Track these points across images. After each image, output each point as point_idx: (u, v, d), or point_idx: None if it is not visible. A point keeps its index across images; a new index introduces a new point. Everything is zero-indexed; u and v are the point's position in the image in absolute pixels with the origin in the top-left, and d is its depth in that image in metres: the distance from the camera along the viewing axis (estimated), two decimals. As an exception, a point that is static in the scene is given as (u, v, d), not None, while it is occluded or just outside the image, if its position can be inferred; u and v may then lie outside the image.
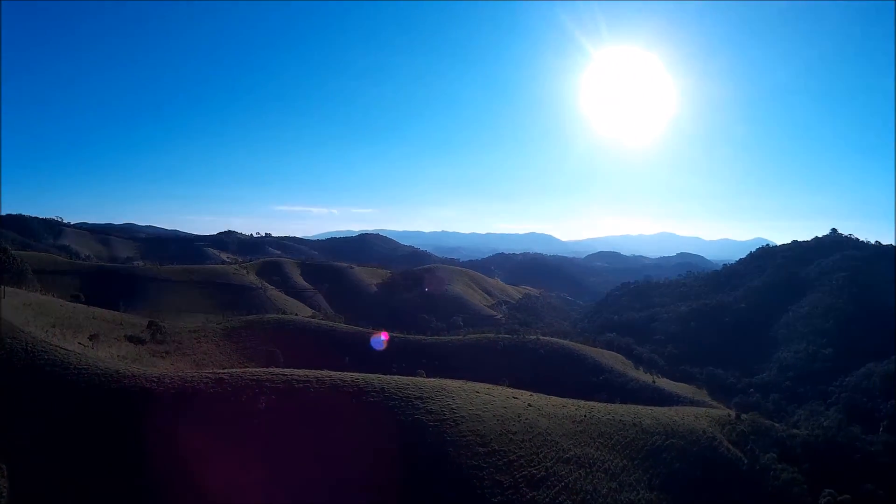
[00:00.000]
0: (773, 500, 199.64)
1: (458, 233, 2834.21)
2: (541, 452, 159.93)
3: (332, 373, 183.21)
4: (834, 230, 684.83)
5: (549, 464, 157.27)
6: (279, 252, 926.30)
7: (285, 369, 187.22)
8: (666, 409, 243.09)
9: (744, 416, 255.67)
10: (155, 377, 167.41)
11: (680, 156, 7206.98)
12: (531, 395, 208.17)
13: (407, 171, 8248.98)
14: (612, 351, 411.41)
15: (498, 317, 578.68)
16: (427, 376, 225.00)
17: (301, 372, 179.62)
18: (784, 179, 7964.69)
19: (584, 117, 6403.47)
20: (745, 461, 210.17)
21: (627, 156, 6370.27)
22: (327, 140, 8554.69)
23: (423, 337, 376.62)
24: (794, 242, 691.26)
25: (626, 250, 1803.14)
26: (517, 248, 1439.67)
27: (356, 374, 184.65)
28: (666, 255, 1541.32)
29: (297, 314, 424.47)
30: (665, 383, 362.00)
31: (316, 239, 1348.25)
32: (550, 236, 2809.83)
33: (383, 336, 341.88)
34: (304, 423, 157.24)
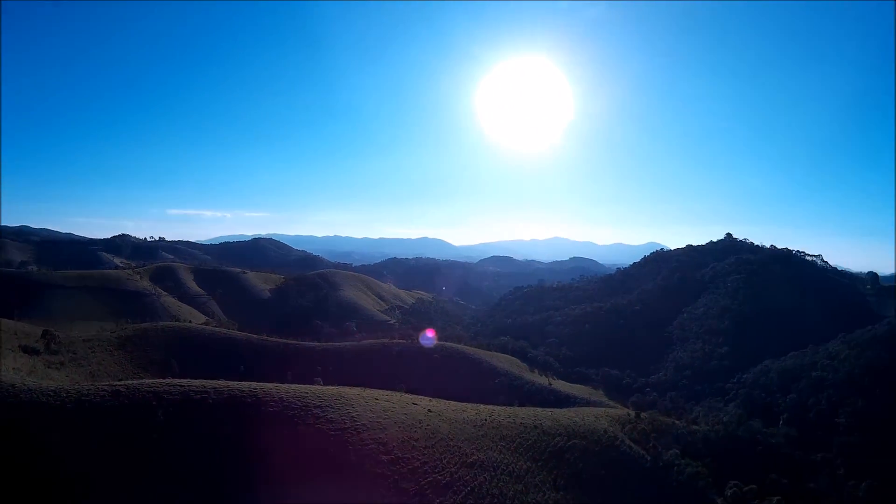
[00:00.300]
0: (678, 494, 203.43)
1: (350, 237, 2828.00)
2: (444, 458, 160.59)
3: (230, 382, 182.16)
4: (729, 234, 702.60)
5: (453, 469, 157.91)
6: (173, 257, 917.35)
7: (182, 380, 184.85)
8: (565, 410, 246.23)
9: (643, 414, 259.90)
10: (52, 391, 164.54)
11: (573, 161, 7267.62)
12: (430, 400, 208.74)
13: (299, 175, 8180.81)
14: (507, 354, 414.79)
15: (391, 322, 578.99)
16: (324, 384, 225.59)
17: (198, 382, 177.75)
18: (678, 185, 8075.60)
19: (479, 123, 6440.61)
20: (649, 458, 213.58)
21: (521, 161, 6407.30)
22: (219, 142, 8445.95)
23: (318, 343, 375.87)
24: (689, 246, 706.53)
25: (518, 255, 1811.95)
26: (410, 253, 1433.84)
27: (254, 384, 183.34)
28: (559, 259, 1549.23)
29: (191, 321, 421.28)
30: (561, 385, 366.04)
31: (209, 243, 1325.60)
32: (443, 241, 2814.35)
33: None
34: (201, 437, 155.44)
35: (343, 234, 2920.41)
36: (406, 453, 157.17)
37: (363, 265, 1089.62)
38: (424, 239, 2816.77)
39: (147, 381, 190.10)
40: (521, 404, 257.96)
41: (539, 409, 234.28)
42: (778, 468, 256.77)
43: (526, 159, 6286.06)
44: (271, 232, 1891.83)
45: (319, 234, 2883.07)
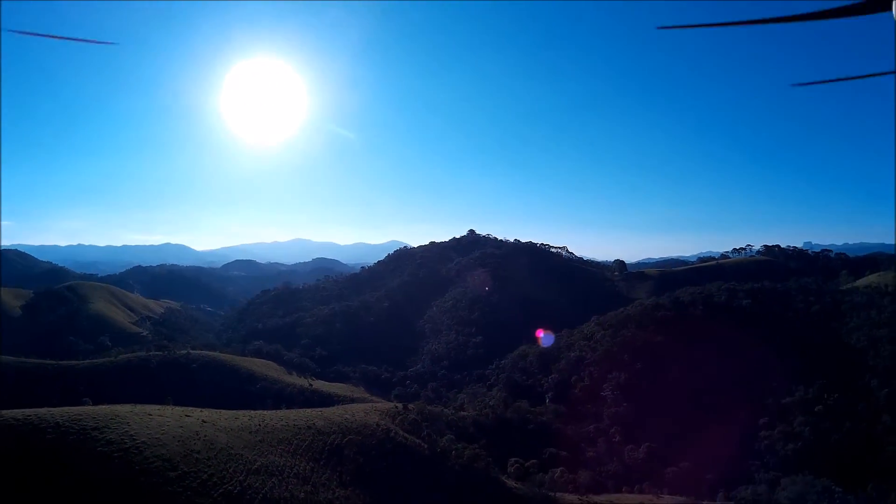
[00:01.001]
0: (460, 477, 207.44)
1: (94, 245, 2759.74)
2: (230, 467, 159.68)
3: (3, 412, 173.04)
4: (472, 231, 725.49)
5: (241, 478, 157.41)
6: None
7: None
8: (334, 408, 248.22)
9: (410, 405, 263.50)
10: None
11: (311, 163, 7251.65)
12: (201, 411, 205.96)
13: (40, 179, 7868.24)
14: (263, 359, 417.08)
15: (144, 333, 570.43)
16: (93, 404, 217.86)
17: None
18: (418, 185, 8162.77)
19: (217, 125, 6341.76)
20: (426, 446, 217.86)
21: (260, 163, 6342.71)
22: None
23: (77, 362, 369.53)
24: (432, 243, 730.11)
25: (261, 258, 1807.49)
26: (153, 260, 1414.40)
27: (26, 411, 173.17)
28: (302, 260, 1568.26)
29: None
30: (321, 385, 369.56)
31: None
32: (185, 246, 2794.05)
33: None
34: None
35: (86, 243, 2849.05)
36: (192, 467, 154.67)
37: (109, 275, 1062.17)
38: (167, 245, 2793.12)
39: None
40: (288, 407, 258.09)
41: (309, 410, 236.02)
42: (554, 442, 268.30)
43: (264, 161, 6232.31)
44: (15, 242, 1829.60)
45: (63, 244, 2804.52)
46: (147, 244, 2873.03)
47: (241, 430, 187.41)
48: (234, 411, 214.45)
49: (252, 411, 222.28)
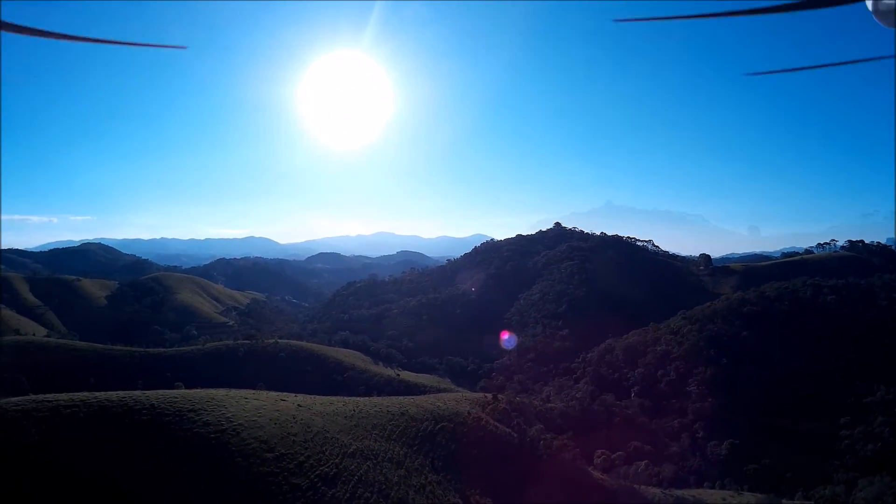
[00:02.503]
0: (549, 466, 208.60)
1: (177, 239, 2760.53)
2: (326, 451, 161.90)
3: (97, 393, 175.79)
4: (558, 224, 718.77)
5: (337, 460, 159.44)
6: (4, 266, 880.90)
7: (47, 395, 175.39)
8: (426, 396, 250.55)
9: (500, 395, 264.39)
10: None
11: (395, 157, 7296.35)
12: (295, 396, 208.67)
13: (122, 176, 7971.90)
14: (349, 349, 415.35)
15: (230, 323, 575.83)
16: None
17: (65, 396, 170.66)
18: (501, 178, 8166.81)
19: (301, 120, 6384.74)
20: (515, 435, 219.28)
21: (344, 157, 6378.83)
22: (38, 140, 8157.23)
23: (164, 350, 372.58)
24: (519, 236, 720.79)
25: (345, 251, 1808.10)
26: (237, 253, 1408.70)
27: (121, 393, 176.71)
28: (387, 254, 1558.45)
29: (34, 334, 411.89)
30: (408, 375, 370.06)
31: (38, 251, 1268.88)
32: (269, 240, 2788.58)
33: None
34: (80, 451, 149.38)
35: (169, 237, 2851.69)
36: (289, 449, 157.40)
37: (193, 267, 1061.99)
38: (251, 238, 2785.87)
39: (12, 399, 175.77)
40: (379, 395, 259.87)
41: (401, 398, 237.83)
42: (639, 436, 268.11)
43: (348, 155, 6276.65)
44: (98, 237, 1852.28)
45: (146, 237, 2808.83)
46: (231, 238, 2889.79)
47: (335, 414, 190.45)
48: (329, 397, 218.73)
49: (346, 397, 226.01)
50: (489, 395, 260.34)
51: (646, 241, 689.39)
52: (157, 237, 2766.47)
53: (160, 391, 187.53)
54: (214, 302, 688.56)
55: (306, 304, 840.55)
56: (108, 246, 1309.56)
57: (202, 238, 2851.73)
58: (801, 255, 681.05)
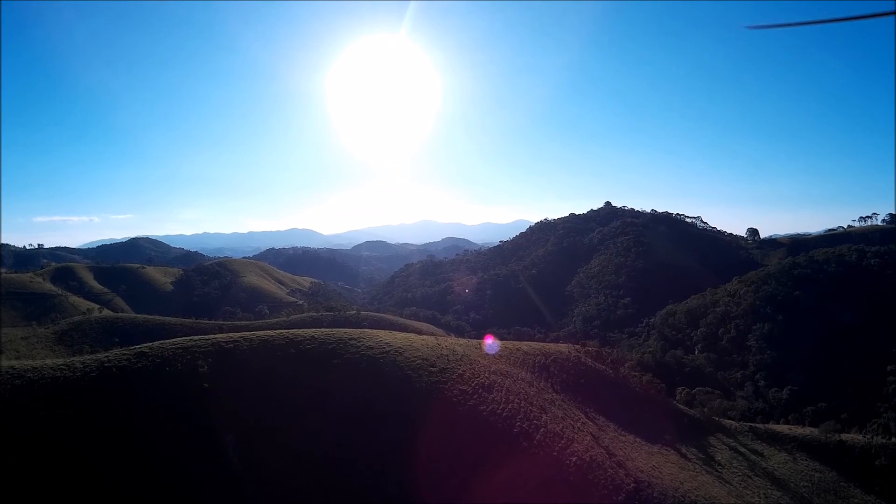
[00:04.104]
0: (641, 397, 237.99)
1: (220, 233, 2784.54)
2: (475, 368, 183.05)
3: (256, 331, 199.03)
4: (608, 202, 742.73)
5: (486, 375, 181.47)
6: (56, 263, 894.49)
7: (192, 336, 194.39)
8: (525, 342, 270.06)
9: (588, 343, 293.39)
10: (64, 366, 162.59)
11: (436, 145, 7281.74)
12: (421, 335, 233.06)
13: (161, 173, 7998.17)
14: (421, 322, 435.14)
15: (300, 303, 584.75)
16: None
17: (222, 335, 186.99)
18: (545, 163, 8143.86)
19: (338, 110, 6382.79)
20: (610, 371, 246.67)
21: (383, 146, 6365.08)
22: (74, 141, 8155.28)
23: (248, 322, 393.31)
24: (572, 215, 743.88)
25: (390, 239, 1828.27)
26: (282, 245, 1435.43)
27: (269, 332, 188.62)
28: (431, 241, 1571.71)
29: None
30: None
31: (86, 248, 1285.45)
32: (312, 231, 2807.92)
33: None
34: (253, 379, 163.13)
35: (212, 231, 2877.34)
36: (448, 364, 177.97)
37: (242, 258, 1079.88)
38: (293, 230, 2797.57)
39: (167, 340, 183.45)
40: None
41: (506, 342, 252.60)
42: (704, 382, 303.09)
43: (388, 144, 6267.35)
44: (141, 234, 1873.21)
45: (188, 233, 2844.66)
46: (274, 230, 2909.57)
47: (466, 345, 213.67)
48: (445, 337, 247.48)
49: (472, 340, 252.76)
50: (578, 345, 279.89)
51: (694, 218, 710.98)
52: (200, 232, 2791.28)
53: (312, 329, 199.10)
54: (280, 285, 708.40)
55: (359, 290, 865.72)
56: (156, 240, 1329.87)
57: (245, 231, 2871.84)
58: (844, 229, 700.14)
